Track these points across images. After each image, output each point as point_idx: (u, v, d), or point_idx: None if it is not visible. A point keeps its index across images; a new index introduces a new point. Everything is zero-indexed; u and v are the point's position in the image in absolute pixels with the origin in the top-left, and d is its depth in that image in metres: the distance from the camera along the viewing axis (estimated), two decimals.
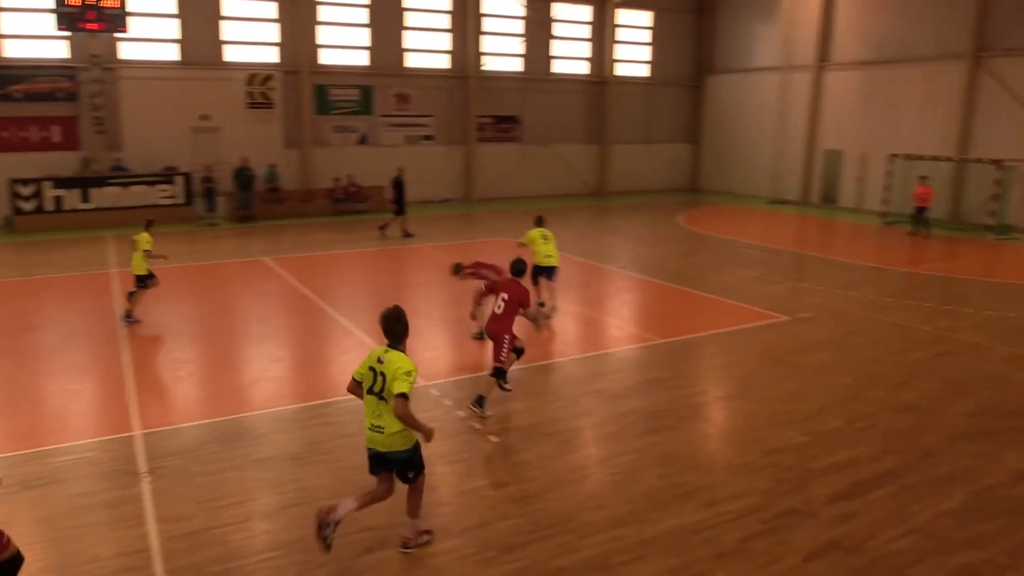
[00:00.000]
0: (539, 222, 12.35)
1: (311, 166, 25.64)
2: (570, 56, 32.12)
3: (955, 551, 6.13)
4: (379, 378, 5.65)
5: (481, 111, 29.95)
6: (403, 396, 5.49)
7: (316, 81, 25.50)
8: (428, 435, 5.67)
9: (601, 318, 12.45)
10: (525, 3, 30.30)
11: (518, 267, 8.69)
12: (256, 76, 23.78)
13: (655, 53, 34.53)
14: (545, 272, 12.07)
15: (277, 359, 10.16)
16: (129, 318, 11.56)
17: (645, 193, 34.31)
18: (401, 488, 6.08)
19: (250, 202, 22.60)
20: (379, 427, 5.68)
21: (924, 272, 17.48)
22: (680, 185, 36.79)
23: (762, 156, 32.97)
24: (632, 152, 34.51)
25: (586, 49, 32.53)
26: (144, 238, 11.67)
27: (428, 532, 6.10)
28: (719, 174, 35.41)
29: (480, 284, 9.96)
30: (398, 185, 20.32)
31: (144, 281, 11.75)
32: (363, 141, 27.18)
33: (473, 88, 29.43)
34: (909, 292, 15.13)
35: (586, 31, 32.36)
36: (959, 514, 6.71)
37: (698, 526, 6.43)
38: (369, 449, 5.79)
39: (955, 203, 25.69)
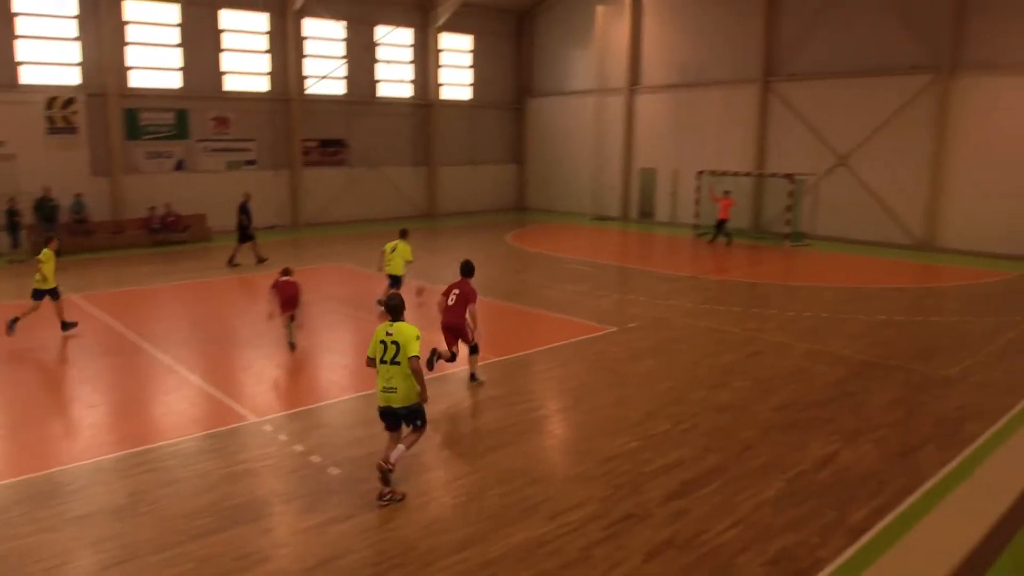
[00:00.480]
0: (402, 235, 14.46)
1: (122, 195, 24.20)
2: (395, 79, 32.15)
3: (774, 536, 6.68)
4: (391, 347, 7.27)
5: (306, 135, 29.07)
6: (416, 357, 7.20)
7: (125, 105, 23.98)
8: (425, 394, 7.41)
9: (437, 339, 12.38)
10: (346, 26, 29.89)
11: (466, 268, 10.61)
12: (56, 100, 22.42)
13: (477, 76, 35.19)
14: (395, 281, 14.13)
15: (93, 405, 9.53)
16: None
17: (474, 214, 34.72)
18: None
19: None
20: (392, 387, 7.31)
21: (733, 279, 19.00)
22: (507, 205, 37.58)
23: (583, 175, 34.51)
24: (459, 173, 34.83)
25: (410, 72, 32.68)
26: None
27: (402, 495, 7.33)
28: (544, 193, 36.65)
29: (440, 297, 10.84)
30: (244, 211, 19.93)
31: None
32: (180, 167, 25.53)
33: (296, 111, 28.51)
34: (721, 298, 16.37)
35: (409, 54, 32.48)
36: (776, 501, 7.33)
37: (542, 539, 6.57)
38: (383, 408, 7.40)
39: (756, 214, 28.39)
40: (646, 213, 32.97)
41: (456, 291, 10.35)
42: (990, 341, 12.90)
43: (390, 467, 7.27)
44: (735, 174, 27.29)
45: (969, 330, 13.69)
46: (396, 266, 14.02)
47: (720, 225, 24.55)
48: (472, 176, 35.51)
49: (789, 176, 24.84)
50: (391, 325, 7.37)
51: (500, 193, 37.25)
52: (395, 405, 7.35)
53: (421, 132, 33.21)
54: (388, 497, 7.20)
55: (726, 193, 24.80)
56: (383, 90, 31.66)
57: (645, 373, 11.02)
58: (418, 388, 7.29)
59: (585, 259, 21.78)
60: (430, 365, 10.02)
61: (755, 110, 27.87)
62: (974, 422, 9.22)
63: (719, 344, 12.53)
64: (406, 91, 32.70)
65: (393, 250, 14.01)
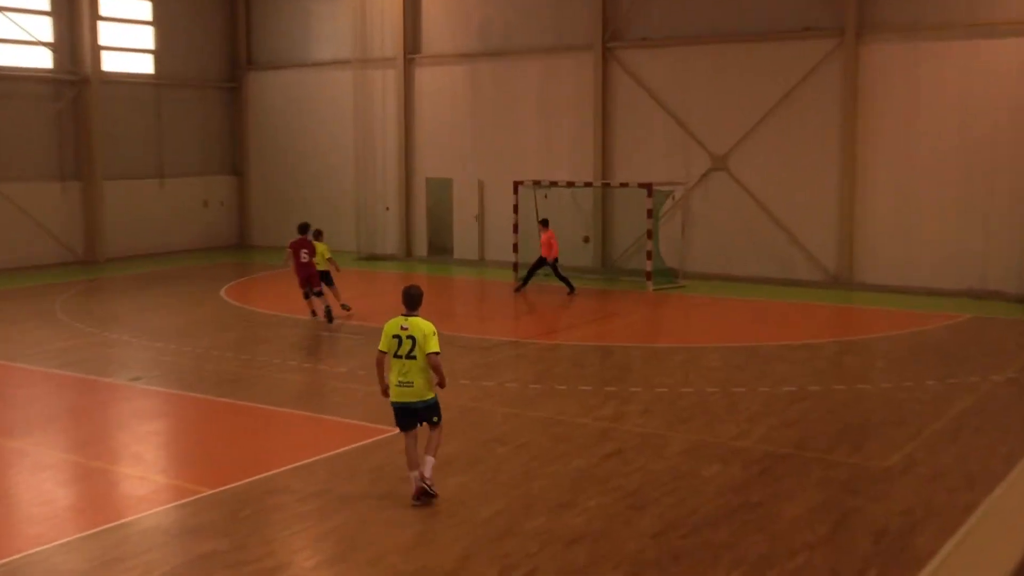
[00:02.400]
0: (318, 236, 22.08)
1: None
2: (19, 39, 30.62)
3: None
4: (407, 342, 10.47)
5: None
6: (437, 353, 10.49)
7: None
8: (443, 381, 10.77)
9: (111, 468, 12.09)
10: None
11: (302, 227, 21.63)
12: None
13: (163, 37, 34.60)
14: (325, 278, 21.83)
15: None
16: None
17: (165, 256, 33.87)
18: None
19: None
20: (408, 382, 10.49)
21: (575, 343, 19.65)
22: (221, 240, 36.90)
23: (340, 192, 34.70)
24: (138, 193, 34.02)
25: (48, 28, 31.39)
26: None
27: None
28: (279, 221, 36.11)
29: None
30: None
31: None
32: None
33: None
34: (559, 373, 16.99)
35: (45, 2, 31.29)
36: None
37: None
38: (399, 405, 10.61)
39: (602, 245, 29.79)
40: (440, 248, 33.47)
41: (305, 250, 19.10)
42: (937, 414, 13.92)
43: (429, 483, 10.52)
44: (569, 185, 28.43)
45: (908, 399, 14.76)
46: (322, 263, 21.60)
47: (536, 268, 25.34)
48: (160, 197, 34.81)
49: (647, 187, 26.21)
50: (405, 319, 10.56)
51: (208, 222, 36.51)
52: (411, 400, 10.51)
53: (69, 126, 32.05)
54: (432, 483, 10.58)
55: (544, 224, 25.55)
56: None
57: (455, 495, 10.89)
58: (435, 380, 10.56)
59: (347, 323, 21.71)
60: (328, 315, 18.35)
61: (592, 90, 29.36)
62: (926, 531, 9.87)
63: (562, 443, 12.74)
64: (41, 59, 31.33)
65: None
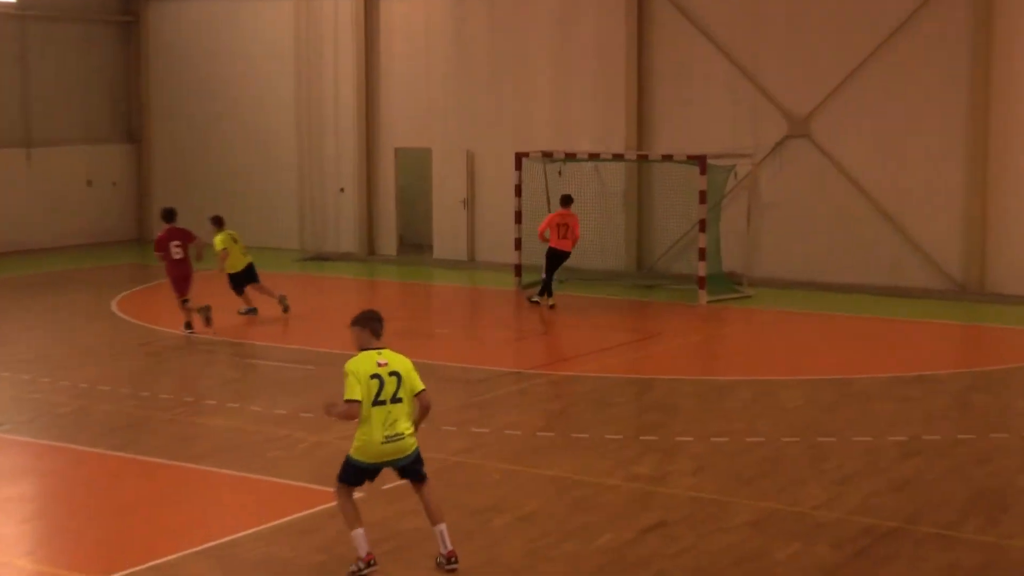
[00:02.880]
0: (219, 223, 24.13)
1: None
2: None
3: None
4: (390, 380, 10.63)
5: None
6: (426, 391, 10.86)
7: None
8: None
9: None
10: None
11: (166, 214, 22.67)
12: None
13: None
14: (247, 275, 23.97)
15: None
16: None
17: (33, 256, 33.73)
18: None
19: None
20: (398, 435, 10.70)
21: (601, 373, 19.56)
22: (112, 233, 36.87)
23: (278, 166, 34.67)
24: None
25: None
26: None
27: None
28: (194, 207, 35.92)
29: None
30: None
31: None
32: None
33: None
34: (579, 415, 17.14)
35: None
36: None
37: None
38: (383, 464, 10.88)
39: (640, 238, 29.67)
40: (415, 245, 33.34)
41: (177, 242, 22.49)
42: None
43: (452, 556, 10.85)
44: (592, 158, 28.32)
45: None
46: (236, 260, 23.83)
47: (554, 266, 25.10)
48: (25, 174, 34.75)
49: (699, 160, 26.15)
50: (379, 352, 10.75)
51: (94, 209, 36.48)
52: (400, 457, 10.81)
53: None
54: (455, 555, 10.88)
55: (566, 201, 25.40)
56: None
57: None
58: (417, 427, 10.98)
59: (288, 346, 21.63)
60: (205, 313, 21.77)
61: (625, 29, 29.25)
62: None
63: (582, 512, 12.69)
64: None
65: (235, 241, 23.82)
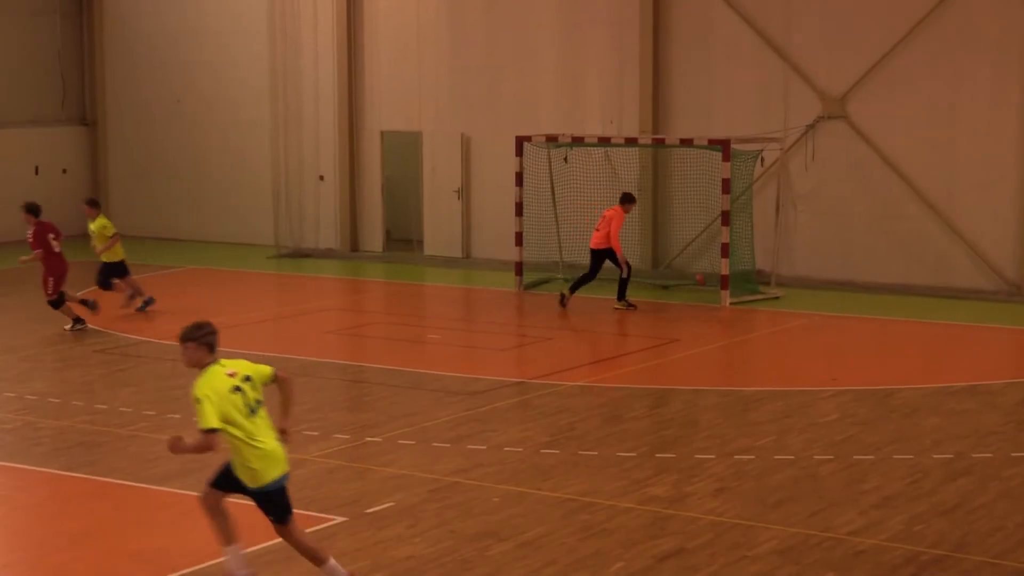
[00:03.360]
0: (96, 205, 25.92)
1: None
2: None
3: None
4: (247, 386, 10.81)
5: None
6: (275, 370, 11.43)
7: None
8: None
9: None
10: None
11: (31, 208, 23.77)
12: None
13: None
14: (122, 267, 25.12)
15: None
16: None
17: None
18: None
19: None
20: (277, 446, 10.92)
21: (613, 384, 19.73)
22: (61, 226, 35.90)
23: (250, 151, 34.79)
24: None
25: None
26: None
27: None
28: (156, 196, 36.20)
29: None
30: None
31: None
32: None
33: None
34: (588, 431, 17.11)
35: None
36: None
37: None
38: (280, 481, 10.95)
39: (657, 232, 29.75)
40: (403, 241, 33.45)
41: (52, 234, 22.54)
42: None
43: None
44: (602, 143, 28.37)
45: None
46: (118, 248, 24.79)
47: (600, 260, 25.20)
48: None
49: (722, 145, 26.26)
50: (221, 364, 10.82)
51: (42, 199, 35.91)
52: (287, 470, 10.98)
53: None
54: None
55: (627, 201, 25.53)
56: None
57: None
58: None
59: (262, 354, 21.53)
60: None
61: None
62: None
63: (592, 537, 12.76)
64: None
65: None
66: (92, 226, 24.46)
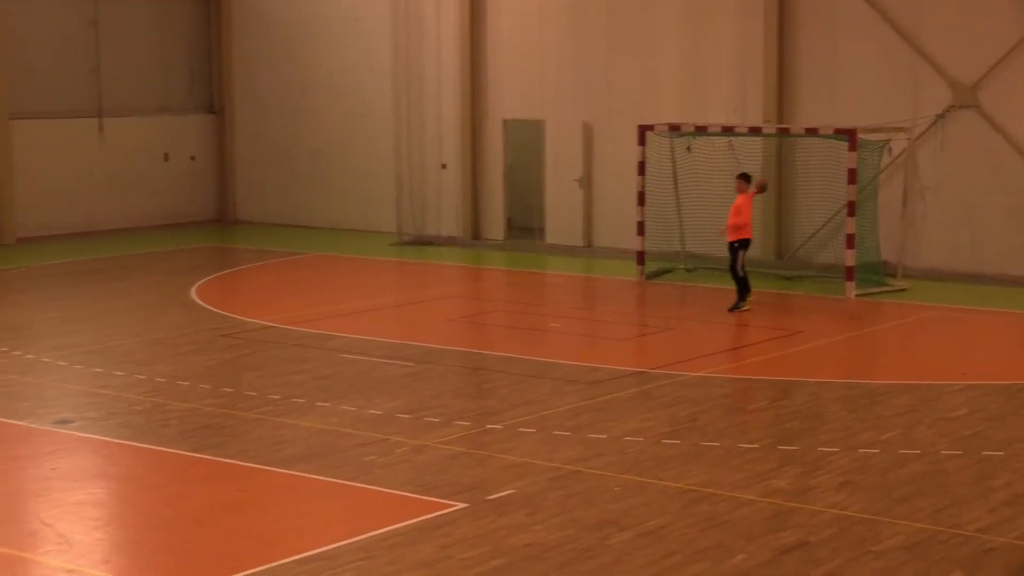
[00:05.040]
0: None
1: None
2: None
3: None
4: None
5: None
6: None
7: None
8: None
9: (22, 556, 12.16)
10: None
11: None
12: None
13: None
14: None
15: None
16: None
17: (106, 236, 34.41)
18: None
19: None
20: None
21: (735, 375, 19.68)
22: (190, 212, 37.52)
23: (373, 139, 34.99)
24: (66, 139, 34.68)
25: None
26: None
27: None
28: (280, 183, 36.62)
29: None
30: None
31: None
32: None
33: None
34: (709, 422, 17.03)
35: None
36: None
37: None
38: None
39: (780, 223, 29.58)
40: (525, 229, 33.53)
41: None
42: None
43: None
44: (726, 132, 28.25)
45: None
46: None
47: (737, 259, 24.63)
48: (98, 147, 35.40)
49: (848, 135, 26.02)
50: None
51: (171, 185, 37.15)
52: None
53: None
54: None
55: (743, 178, 25.11)
56: None
57: None
58: None
59: (387, 339, 21.86)
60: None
61: None
62: None
63: (713, 528, 12.68)
64: None
65: None
66: None
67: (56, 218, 34.39)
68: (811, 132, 27.23)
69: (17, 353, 21.04)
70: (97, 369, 19.82)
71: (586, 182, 31.82)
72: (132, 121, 35.98)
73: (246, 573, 11.56)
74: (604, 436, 15.98)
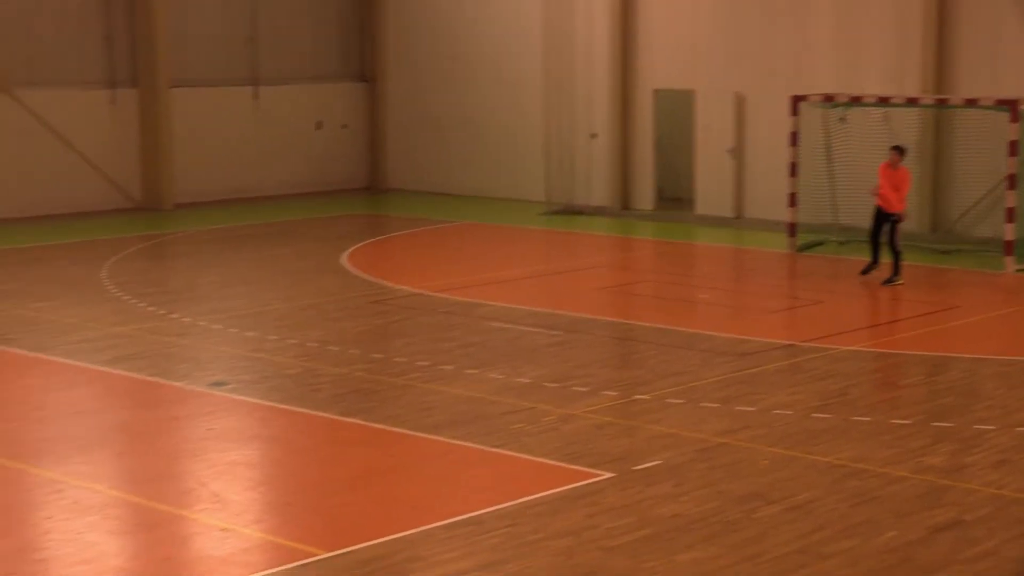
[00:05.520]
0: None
1: None
2: None
3: None
4: None
5: None
6: None
7: None
8: None
9: (180, 514, 12.48)
10: None
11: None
12: None
13: None
14: None
15: None
16: None
17: (260, 203, 34.98)
18: None
19: None
20: None
21: (888, 350, 19.48)
22: (342, 180, 38.04)
23: (523, 109, 35.06)
24: (222, 107, 35.32)
25: None
26: None
27: None
28: (431, 152, 36.82)
29: None
30: None
31: None
32: None
33: None
34: (860, 396, 17.01)
35: None
36: None
37: None
38: None
39: (937, 197, 29.09)
40: (674, 199, 33.45)
41: None
42: None
43: None
44: (881, 103, 27.88)
45: None
46: None
47: (879, 227, 24.18)
48: (253, 115, 36.08)
49: (1009, 105, 25.56)
50: None
51: (323, 153, 37.69)
52: None
53: (122, 8, 33.31)
54: None
55: (897, 151, 24.66)
56: None
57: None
58: None
59: (536, 309, 22.00)
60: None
61: None
62: None
63: (864, 504, 12.59)
64: None
65: None
66: None
67: (211, 184, 35.07)
68: (970, 103, 26.76)
69: (175, 316, 21.50)
70: (250, 333, 20.17)
71: (737, 152, 31.60)
72: (286, 89, 36.48)
73: (395, 536, 11.72)
74: (752, 409, 15.96)
